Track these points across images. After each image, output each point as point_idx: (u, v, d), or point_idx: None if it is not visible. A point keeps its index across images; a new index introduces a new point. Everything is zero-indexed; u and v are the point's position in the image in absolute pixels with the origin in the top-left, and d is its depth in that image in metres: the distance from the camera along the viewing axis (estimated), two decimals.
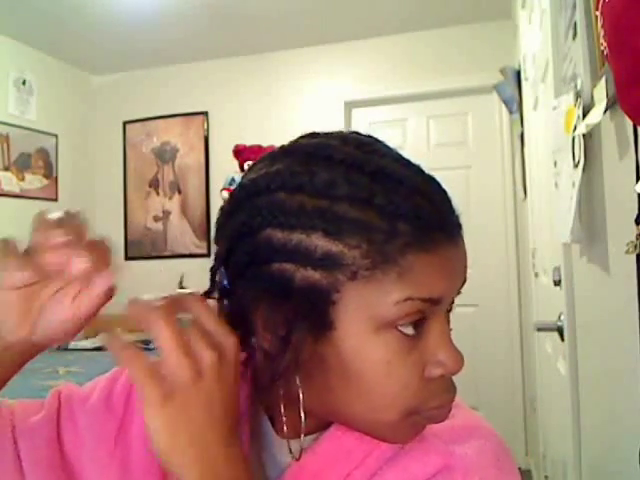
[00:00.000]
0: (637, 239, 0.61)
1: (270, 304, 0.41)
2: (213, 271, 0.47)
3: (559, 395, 1.47)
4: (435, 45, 3.29)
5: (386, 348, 0.40)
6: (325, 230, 0.39)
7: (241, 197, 0.44)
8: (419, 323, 0.41)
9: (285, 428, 0.46)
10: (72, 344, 3.31)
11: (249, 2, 2.95)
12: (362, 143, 0.45)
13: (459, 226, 0.44)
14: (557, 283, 1.36)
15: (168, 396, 0.38)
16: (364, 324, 0.40)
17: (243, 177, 0.47)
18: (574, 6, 0.98)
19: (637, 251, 0.61)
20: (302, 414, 0.43)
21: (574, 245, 1.14)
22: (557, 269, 1.37)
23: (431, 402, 0.42)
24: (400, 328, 0.40)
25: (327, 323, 0.40)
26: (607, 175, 0.84)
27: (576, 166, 0.90)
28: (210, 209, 3.68)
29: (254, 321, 0.43)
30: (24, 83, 3.38)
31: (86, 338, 3.59)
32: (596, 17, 0.75)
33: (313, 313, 0.40)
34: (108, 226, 3.90)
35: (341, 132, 0.47)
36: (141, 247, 3.82)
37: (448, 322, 0.44)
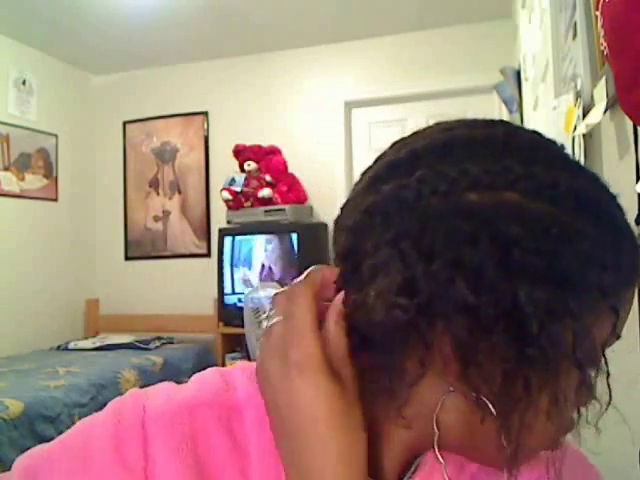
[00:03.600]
0: (637, 239, 0.61)
1: None
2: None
3: None
4: (435, 45, 3.29)
5: None
6: None
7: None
8: None
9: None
10: (72, 344, 3.31)
11: (249, 2, 2.95)
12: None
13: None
14: None
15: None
16: None
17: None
18: (574, 6, 0.98)
19: None
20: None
21: None
22: None
23: None
24: None
25: None
26: (607, 175, 0.84)
27: None
28: (210, 209, 3.68)
29: None
30: (24, 83, 3.38)
31: (86, 338, 3.59)
32: (596, 17, 0.75)
33: None
34: (108, 226, 3.90)
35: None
36: (141, 247, 3.82)
37: None
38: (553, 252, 0.33)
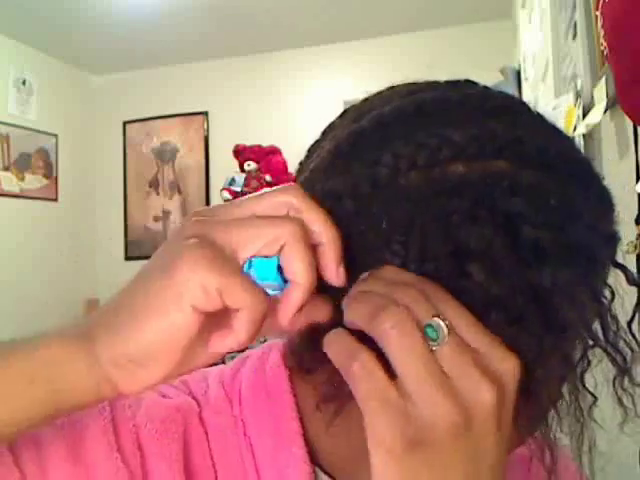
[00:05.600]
0: (637, 239, 0.61)
1: None
2: None
3: None
4: (435, 45, 3.29)
5: None
6: None
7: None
8: None
9: None
10: None
11: (249, 2, 2.95)
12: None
13: None
14: None
15: (415, 443, 0.25)
16: None
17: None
18: (574, 6, 0.98)
19: (637, 251, 0.61)
20: None
21: None
22: None
23: None
24: None
25: None
26: (607, 175, 0.84)
27: None
28: None
29: None
30: (24, 83, 3.37)
31: None
32: (596, 17, 0.75)
33: None
34: (108, 226, 3.90)
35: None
36: (141, 247, 3.82)
37: None
38: (560, 226, 0.28)
